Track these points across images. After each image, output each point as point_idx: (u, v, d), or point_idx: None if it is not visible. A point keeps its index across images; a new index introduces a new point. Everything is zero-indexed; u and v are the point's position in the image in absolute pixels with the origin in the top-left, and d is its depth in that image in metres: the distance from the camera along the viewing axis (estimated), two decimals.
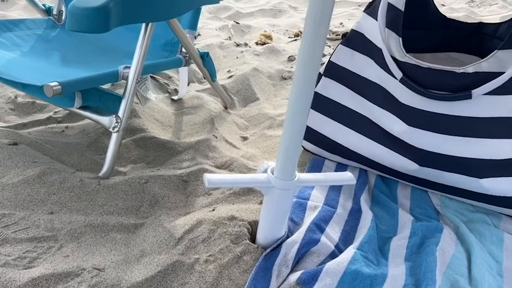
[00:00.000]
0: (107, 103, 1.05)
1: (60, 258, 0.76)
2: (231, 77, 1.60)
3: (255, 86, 1.57)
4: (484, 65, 0.81)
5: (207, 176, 0.68)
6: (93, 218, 0.86)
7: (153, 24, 0.98)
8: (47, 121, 1.23)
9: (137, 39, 0.99)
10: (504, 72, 0.79)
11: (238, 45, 1.94)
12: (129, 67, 0.99)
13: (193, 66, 1.58)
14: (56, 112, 1.28)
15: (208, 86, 1.54)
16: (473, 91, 0.80)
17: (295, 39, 2.05)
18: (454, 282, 0.76)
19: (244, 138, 1.28)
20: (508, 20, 0.96)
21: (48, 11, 1.38)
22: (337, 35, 2.00)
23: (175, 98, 1.43)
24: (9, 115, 1.25)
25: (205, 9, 2.57)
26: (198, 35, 2.04)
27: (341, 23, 2.32)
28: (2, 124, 1.19)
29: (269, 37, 2.03)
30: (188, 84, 1.59)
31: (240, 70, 1.65)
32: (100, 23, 0.78)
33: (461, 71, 0.80)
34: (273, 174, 0.72)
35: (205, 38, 2.00)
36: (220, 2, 2.76)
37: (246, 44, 1.94)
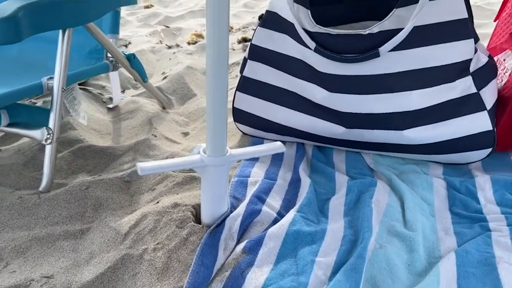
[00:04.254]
0: (36, 117, 1.04)
1: (6, 275, 0.75)
2: (165, 77, 1.61)
3: (191, 83, 1.58)
4: (386, 24, 0.87)
5: (140, 165, 0.70)
6: (37, 231, 0.85)
7: (71, 30, 0.98)
8: None
9: None
10: (404, 28, 0.86)
11: (170, 47, 1.94)
12: (53, 77, 0.99)
13: (126, 72, 1.58)
14: None
15: (144, 90, 1.54)
16: (380, 49, 0.86)
17: None
18: (390, 227, 0.82)
19: (186, 134, 1.29)
20: None
21: None
22: None
23: (110, 106, 1.42)
24: None
25: (134, 18, 2.56)
26: (129, 43, 2.03)
27: None
28: None
29: (200, 36, 2.06)
30: (123, 91, 1.58)
31: (174, 70, 1.66)
32: (10, 33, 0.78)
33: (368, 32, 0.86)
34: (205, 154, 0.75)
35: (137, 45, 1.99)
36: (150, 9, 2.75)
37: (177, 45, 1.95)
